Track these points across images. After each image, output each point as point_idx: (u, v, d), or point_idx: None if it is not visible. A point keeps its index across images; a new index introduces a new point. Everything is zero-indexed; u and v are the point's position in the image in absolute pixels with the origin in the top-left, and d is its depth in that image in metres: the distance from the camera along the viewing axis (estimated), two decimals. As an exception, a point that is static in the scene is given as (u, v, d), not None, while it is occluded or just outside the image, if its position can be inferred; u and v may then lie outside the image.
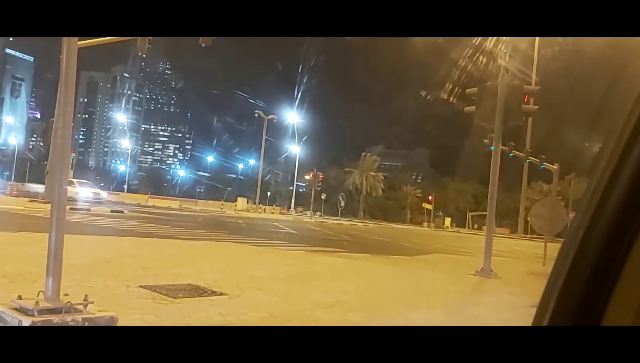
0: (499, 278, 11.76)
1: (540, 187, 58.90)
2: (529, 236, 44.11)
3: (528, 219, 15.97)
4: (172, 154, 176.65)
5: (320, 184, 56.76)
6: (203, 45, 13.80)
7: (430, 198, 69.55)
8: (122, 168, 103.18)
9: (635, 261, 0.64)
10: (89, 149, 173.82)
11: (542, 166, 23.60)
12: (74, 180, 38.34)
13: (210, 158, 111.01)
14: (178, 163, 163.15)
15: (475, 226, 62.78)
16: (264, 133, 54.82)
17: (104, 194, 40.28)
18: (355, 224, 45.73)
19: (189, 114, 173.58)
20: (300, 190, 68.69)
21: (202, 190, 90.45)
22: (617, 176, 0.65)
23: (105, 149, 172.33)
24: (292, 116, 62.04)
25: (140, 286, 6.64)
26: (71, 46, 4.66)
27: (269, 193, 65.69)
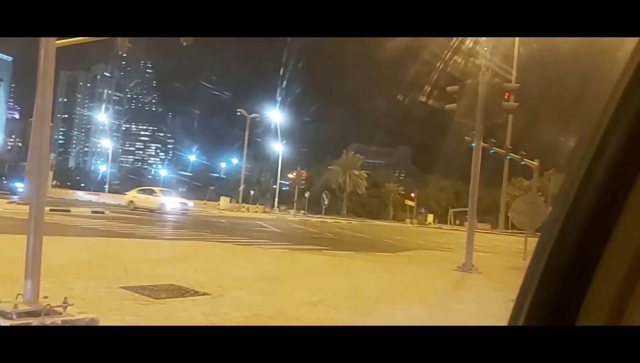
0: (481, 273, 11.89)
1: (521, 183, 59.56)
2: (509, 231, 44.58)
3: (509, 214, 16.14)
4: (153, 153, 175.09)
5: (303, 182, 56.76)
6: (184, 43, 13.66)
7: (412, 195, 69.93)
8: (103, 168, 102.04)
9: (608, 260, 0.64)
10: (69, 150, 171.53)
11: (522, 163, 23.89)
12: (155, 188, 35.59)
13: (192, 157, 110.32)
14: (160, 162, 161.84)
15: (457, 222, 63.33)
16: (246, 132, 54.62)
17: (190, 204, 35.35)
18: (339, 222, 45.80)
19: (170, 114, 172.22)
20: (284, 189, 68.52)
21: (184, 190, 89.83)
22: (592, 173, 0.65)
23: (86, 149, 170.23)
24: (275, 115, 61.88)
25: (121, 287, 6.59)
26: (49, 45, 4.60)
27: (252, 192, 65.43)
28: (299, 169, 58.26)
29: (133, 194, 34.37)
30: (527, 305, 0.69)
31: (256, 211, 53.08)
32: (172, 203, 32.19)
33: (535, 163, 24.24)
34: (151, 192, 33.89)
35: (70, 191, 60.97)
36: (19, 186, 41.22)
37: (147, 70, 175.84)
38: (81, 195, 53.91)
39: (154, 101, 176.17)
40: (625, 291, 0.63)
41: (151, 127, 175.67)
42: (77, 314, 4.32)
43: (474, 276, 11.62)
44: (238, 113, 54.52)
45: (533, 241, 14.44)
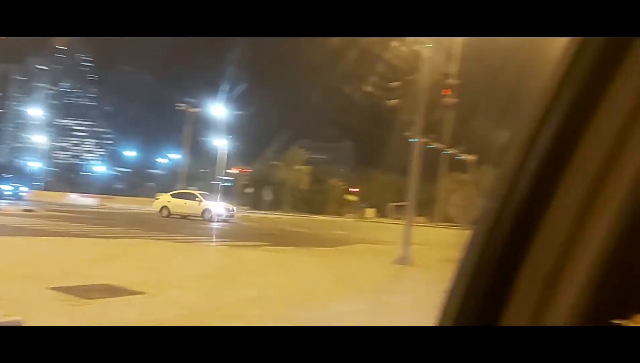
0: (417, 265, 12.20)
1: (458, 177, 61.33)
2: (446, 224, 45.86)
3: (446, 208, 16.63)
4: (90, 149, 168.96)
5: (246, 178, 56.30)
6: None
7: (354, 190, 70.79)
8: (36, 164, 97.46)
9: (534, 259, 0.65)
10: (1, 146, 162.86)
11: (457, 157, 24.69)
12: (195, 191, 30.73)
13: (131, 153, 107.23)
14: (97, 158, 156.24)
15: (396, 215, 64.60)
16: (187, 127, 53.56)
17: (234, 209, 31.03)
18: (282, 218, 45.70)
19: (108, 108, 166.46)
20: (226, 184, 67.81)
21: (122, 186, 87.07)
22: (522, 168, 0.67)
23: (18, 145, 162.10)
24: (217, 110, 60.98)
25: (52, 288, 6.35)
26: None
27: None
28: (241, 164, 57.73)
29: (167, 199, 29.45)
30: (455, 305, 0.70)
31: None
32: (219, 208, 28.25)
33: (472, 157, 25.10)
34: (190, 196, 29.28)
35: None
36: None
37: (84, 63, 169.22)
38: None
39: (91, 95, 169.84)
40: (549, 291, 0.65)
41: (88, 122, 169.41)
42: (2, 316, 4.13)
43: (411, 268, 11.90)
44: (179, 108, 53.30)
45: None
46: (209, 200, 28.93)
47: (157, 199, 31.50)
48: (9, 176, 43.64)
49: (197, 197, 28.78)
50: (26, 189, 43.56)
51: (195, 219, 26.63)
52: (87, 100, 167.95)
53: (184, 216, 27.40)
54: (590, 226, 0.64)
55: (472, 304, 0.69)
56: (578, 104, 0.65)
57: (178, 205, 28.30)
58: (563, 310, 0.64)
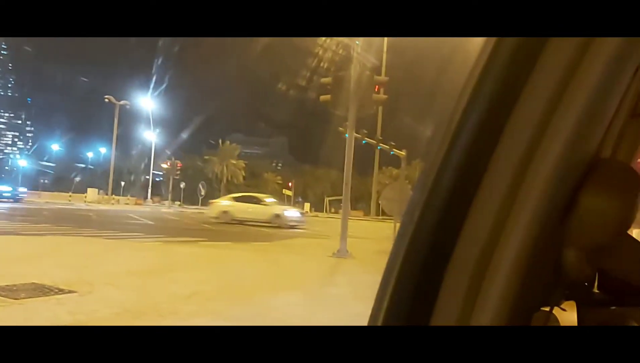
0: (354, 258, 12.41)
1: (390, 172, 62.73)
2: (380, 217, 46.82)
3: (379, 202, 16.95)
4: (10, 143, 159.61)
5: (178, 172, 55.02)
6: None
7: (290, 184, 70.86)
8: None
9: (459, 258, 0.66)
10: None
11: (391, 152, 25.22)
12: (260, 195, 27.85)
13: (55, 146, 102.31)
14: (18, 152, 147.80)
15: (333, 210, 65.32)
16: (115, 120, 51.70)
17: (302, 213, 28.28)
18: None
19: (29, 99, 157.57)
20: (157, 179, 66.03)
21: (46, 181, 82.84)
22: (446, 162, 0.67)
23: None
24: (147, 102, 59.22)
25: (-28, 290, 6.00)
26: None
27: (122, 183, 62.31)
28: (173, 159, 56.37)
29: (228, 203, 26.39)
30: (385, 306, 0.69)
31: (127, 203, 50.64)
32: (292, 213, 26.00)
33: (403, 152, 25.70)
34: (254, 199, 26.46)
35: None
36: None
37: (1, 51, 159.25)
38: None
39: (9, 85, 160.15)
40: (473, 290, 0.65)
41: (7, 114, 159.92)
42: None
43: (348, 261, 12.09)
44: (106, 100, 51.29)
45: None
46: (278, 204, 26.93)
47: (213, 202, 28.39)
48: None
49: (264, 201, 26.29)
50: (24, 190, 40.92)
51: (256, 225, 24.05)
52: (6, 90, 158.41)
53: (242, 222, 24.61)
54: (513, 218, 0.65)
55: (401, 299, 0.69)
56: (497, 99, 0.66)
57: (242, 210, 25.45)
58: (491, 302, 0.65)
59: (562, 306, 0.79)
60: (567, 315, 0.81)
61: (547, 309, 0.76)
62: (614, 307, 0.98)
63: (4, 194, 35.11)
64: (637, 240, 0.94)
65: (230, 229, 22.43)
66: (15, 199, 35.95)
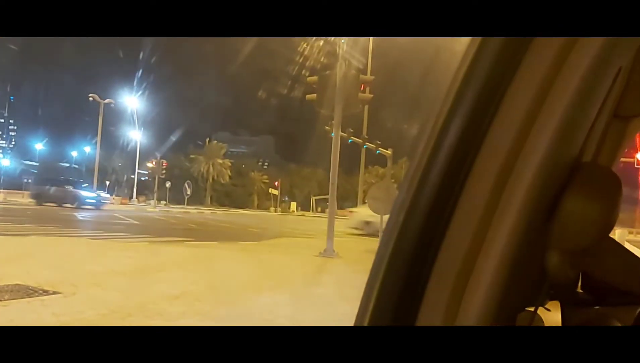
0: (341, 258, 12.44)
1: (377, 171, 62.85)
2: (368, 217, 46.86)
3: (366, 201, 17.00)
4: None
5: (164, 172, 54.65)
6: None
7: (276, 183, 70.70)
8: None
9: (444, 257, 0.66)
10: None
11: (377, 151, 25.27)
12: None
13: (39, 146, 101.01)
14: (0, 151, 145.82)
15: (319, 209, 65.36)
16: (100, 118, 51.16)
17: None
18: (203, 212, 44.94)
19: (12, 97, 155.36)
20: (143, 179, 65.50)
21: (30, 181, 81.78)
22: (431, 161, 0.67)
23: None
24: (132, 101, 58.68)
25: (-46, 292, 5.92)
26: None
27: (107, 183, 61.67)
28: (158, 158, 55.98)
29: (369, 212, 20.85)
30: (372, 306, 0.69)
31: (112, 203, 50.16)
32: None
33: (389, 151, 25.79)
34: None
35: None
36: None
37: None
38: None
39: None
40: (458, 291, 0.65)
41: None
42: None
43: (335, 261, 12.11)
44: (90, 98, 50.71)
45: (388, 226, 15.30)
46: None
47: (353, 211, 25.26)
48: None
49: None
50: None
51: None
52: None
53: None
54: (497, 218, 0.65)
55: (388, 300, 0.69)
56: (482, 99, 0.66)
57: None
58: (476, 303, 0.65)
59: (546, 306, 0.80)
60: (552, 315, 0.82)
61: (532, 309, 0.76)
62: (597, 307, 1.00)
63: (87, 200, 33.82)
64: (618, 243, 0.96)
65: (215, 229, 22.35)
66: (98, 205, 34.39)
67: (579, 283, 1.01)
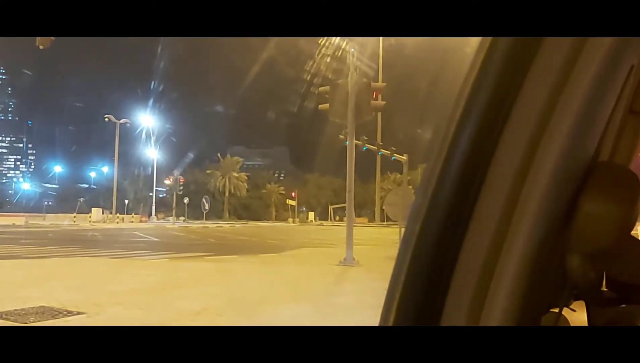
0: (361, 266, 12.38)
1: (393, 177, 62.72)
2: (385, 223, 46.78)
3: (383, 208, 16.93)
4: (12, 166, 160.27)
5: (181, 188, 55.10)
6: (41, 47, 12.63)
7: (293, 194, 70.85)
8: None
9: (465, 258, 0.66)
10: None
11: (393, 158, 25.19)
12: None
13: (57, 168, 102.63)
14: (21, 175, 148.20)
15: (337, 218, 65.36)
16: (116, 138, 51.87)
17: None
18: (221, 226, 45.15)
19: (30, 122, 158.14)
20: (161, 196, 66.14)
21: (51, 203, 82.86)
22: (447, 165, 0.66)
23: None
24: (147, 120, 59.44)
25: (-19, 316, 5.99)
26: None
27: (126, 201, 62.32)
28: (176, 174, 56.46)
29: None
30: (395, 306, 0.68)
31: (132, 221, 50.67)
32: None
33: (405, 157, 25.68)
34: None
35: None
36: None
37: (0, 76, 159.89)
38: None
39: (9, 109, 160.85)
40: (481, 293, 0.65)
41: (8, 138, 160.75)
42: None
43: (355, 269, 12.06)
44: (106, 119, 51.46)
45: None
46: None
47: None
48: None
49: None
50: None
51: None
52: (7, 115, 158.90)
53: None
54: (516, 219, 0.64)
55: (411, 300, 0.68)
56: (494, 102, 0.66)
57: None
58: (499, 304, 0.65)
59: (571, 306, 0.79)
60: (577, 315, 0.80)
61: (557, 310, 0.75)
62: (623, 305, 0.98)
63: None
64: None
65: (234, 242, 22.42)
66: None
67: (604, 282, 0.99)
